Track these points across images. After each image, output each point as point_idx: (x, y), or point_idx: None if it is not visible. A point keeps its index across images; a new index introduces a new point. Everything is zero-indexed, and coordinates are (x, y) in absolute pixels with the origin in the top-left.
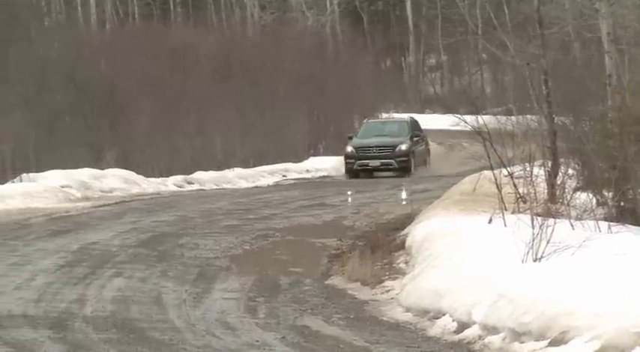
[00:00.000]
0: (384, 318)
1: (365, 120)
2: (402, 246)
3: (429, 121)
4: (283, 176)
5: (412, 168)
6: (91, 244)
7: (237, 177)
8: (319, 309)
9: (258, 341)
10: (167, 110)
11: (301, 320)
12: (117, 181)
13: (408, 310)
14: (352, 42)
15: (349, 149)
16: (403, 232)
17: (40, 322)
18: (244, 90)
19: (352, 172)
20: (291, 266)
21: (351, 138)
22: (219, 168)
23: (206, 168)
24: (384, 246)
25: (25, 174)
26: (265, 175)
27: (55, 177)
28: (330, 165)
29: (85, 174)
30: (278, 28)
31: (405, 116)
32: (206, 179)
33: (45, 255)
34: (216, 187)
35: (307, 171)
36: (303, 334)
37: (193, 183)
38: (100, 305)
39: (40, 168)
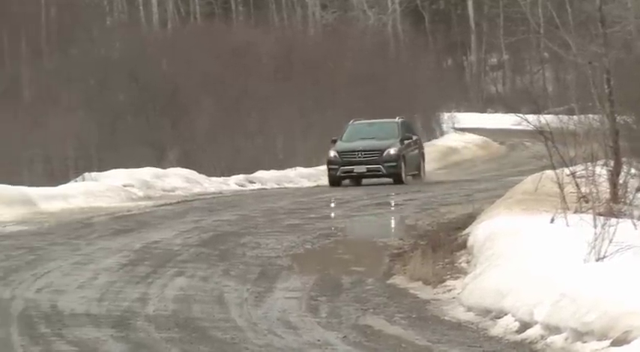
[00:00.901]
0: (445, 318)
1: (350, 122)
2: (463, 245)
3: (491, 120)
4: None
5: (403, 175)
6: (153, 243)
7: (299, 176)
8: (381, 309)
9: (319, 340)
10: (229, 109)
11: (363, 320)
12: (179, 180)
13: (469, 309)
14: (413, 41)
15: (332, 154)
16: (465, 231)
17: (103, 321)
18: (305, 89)
19: (335, 179)
20: (352, 265)
21: (334, 141)
22: (280, 167)
23: (267, 167)
24: (445, 245)
25: (87, 173)
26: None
27: (117, 176)
28: None
29: (147, 173)
30: (339, 27)
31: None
32: (267, 178)
33: (107, 253)
34: (278, 186)
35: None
36: (365, 333)
37: (255, 183)
38: (162, 304)
39: (103, 167)
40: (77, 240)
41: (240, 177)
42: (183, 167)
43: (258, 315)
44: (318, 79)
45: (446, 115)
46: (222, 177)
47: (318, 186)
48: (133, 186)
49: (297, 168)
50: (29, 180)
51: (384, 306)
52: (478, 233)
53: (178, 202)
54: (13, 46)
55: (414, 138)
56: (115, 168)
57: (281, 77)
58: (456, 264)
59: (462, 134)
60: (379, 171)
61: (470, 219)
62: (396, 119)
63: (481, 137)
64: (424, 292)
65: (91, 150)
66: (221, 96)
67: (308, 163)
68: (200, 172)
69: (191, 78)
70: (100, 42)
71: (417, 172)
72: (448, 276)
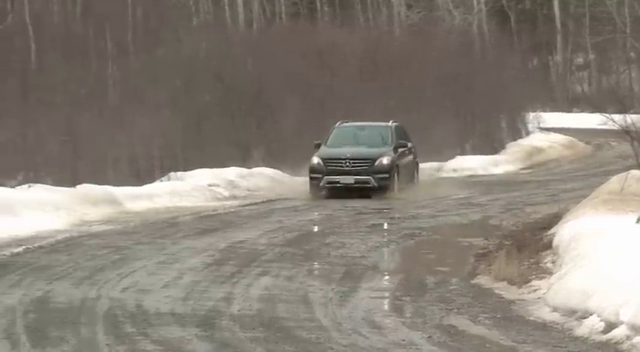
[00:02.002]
0: (530, 318)
1: (337, 124)
2: (549, 245)
3: (577, 120)
4: (430, 176)
5: (395, 188)
6: (238, 243)
7: None
8: (465, 309)
9: (404, 340)
10: (313, 109)
11: (447, 320)
12: (264, 180)
13: (555, 310)
14: (499, 41)
15: (315, 161)
16: (550, 231)
17: (188, 320)
18: (390, 89)
19: (318, 191)
20: (437, 265)
21: (318, 146)
22: None
23: None
24: (531, 245)
25: (172, 173)
26: None
27: (202, 176)
28: (476, 164)
29: (232, 172)
30: (425, 27)
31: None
32: None
33: (192, 253)
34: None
35: (454, 170)
36: (450, 333)
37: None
38: (246, 304)
39: (188, 166)
40: (162, 239)
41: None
42: (268, 166)
43: (343, 315)
44: (403, 79)
45: (531, 115)
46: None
47: None
48: (218, 185)
49: None
50: (115, 180)
51: (468, 306)
52: (564, 233)
53: (263, 202)
54: (99, 47)
55: (409, 145)
56: (201, 167)
57: (366, 77)
58: (541, 264)
59: (547, 134)
60: (369, 183)
61: (555, 218)
62: (390, 122)
63: (566, 137)
64: (509, 292)
65: (176, 150)
66: (306, 96)
67: None
68: (285, 172)
69: (276, 78)
70: (186, 42)
71: (410, 184)
72: (533, 276)
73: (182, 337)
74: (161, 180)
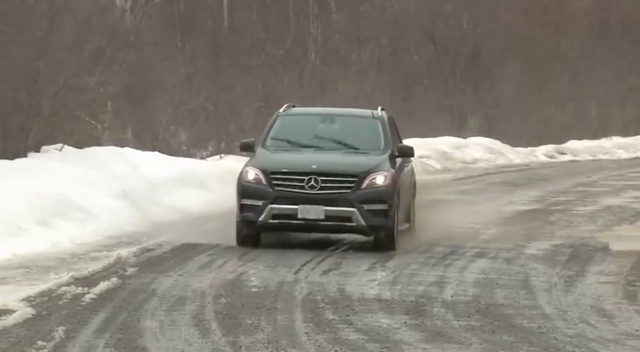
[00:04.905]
0: None
1: (282, 109)
2: None
3: None
4: None
5: (395, 232)
6: (450, 220)
7: (615, 147)
8: None
9: (638, 330)
10: (536, 72)
11: None
12: (480, 151)
13: None
14: None
15: (251, 174)
16: None
17: (395, 307)
18: (624, 49)
19: (253, 232)
20: None
21: (248, 147)
22: (594, 136)
23: (580, 136)
24: None
25: None
26: None
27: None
28: None
29: (445, 143)
30: None
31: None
32: (580, 149)
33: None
34: (591, 158)
35: None
36: None
37: (565, 154)
38: (460, 289)
39: None
40: None
41: (549, 147)
42: (485, 136)
43: (569, 302)
44: (638, 37)
45: None
46: (529, 148)
47: (637, 157)
48: (429, 157)
49: (613, 137)
50: None
51: None
52: None
53: (479, 175)
54: (298, 4)
55: (407, 149)
56: (409, 137)
57: (596, 36)
58: None
59: None
60: (350, 219)
61: None
62: (378, 111)
63: None
64: None
65: None
66: (528, 58)
67: (625, 132)
68: (504, 142)
69: (495, 37)
70: None
71: (407, 224)
72: None
73: (389, 325)
74: None
